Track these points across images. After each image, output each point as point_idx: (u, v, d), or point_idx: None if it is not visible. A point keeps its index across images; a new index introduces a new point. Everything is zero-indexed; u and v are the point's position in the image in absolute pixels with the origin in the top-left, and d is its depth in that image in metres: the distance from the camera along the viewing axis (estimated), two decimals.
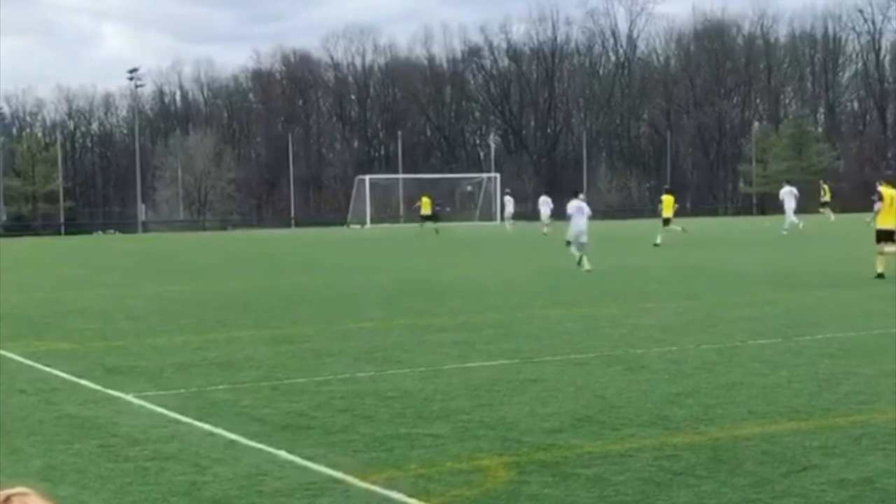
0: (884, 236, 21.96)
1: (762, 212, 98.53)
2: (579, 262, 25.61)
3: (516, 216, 65.47)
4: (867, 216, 25.41)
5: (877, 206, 22.45)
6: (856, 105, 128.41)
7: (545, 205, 55.05)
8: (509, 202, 66.76)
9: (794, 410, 8.80)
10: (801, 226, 43.66)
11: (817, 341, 12.90)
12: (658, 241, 36.41)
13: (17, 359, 12.88)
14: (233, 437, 8.25)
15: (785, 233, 42.25)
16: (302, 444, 7.94)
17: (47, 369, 11.97)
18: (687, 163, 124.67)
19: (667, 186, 45.81)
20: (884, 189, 22.45)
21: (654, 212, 43.88)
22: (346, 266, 31.11)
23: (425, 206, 58.18)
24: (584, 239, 25.99)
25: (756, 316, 15.71)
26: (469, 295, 20.38)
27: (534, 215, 58.05)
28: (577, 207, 26.64)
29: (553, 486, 6.75)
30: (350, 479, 7.01)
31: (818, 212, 55.60)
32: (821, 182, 60.78)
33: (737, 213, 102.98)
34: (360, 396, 9.80)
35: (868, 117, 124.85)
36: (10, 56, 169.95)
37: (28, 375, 11.66)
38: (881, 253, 21.76)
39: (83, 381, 11.09)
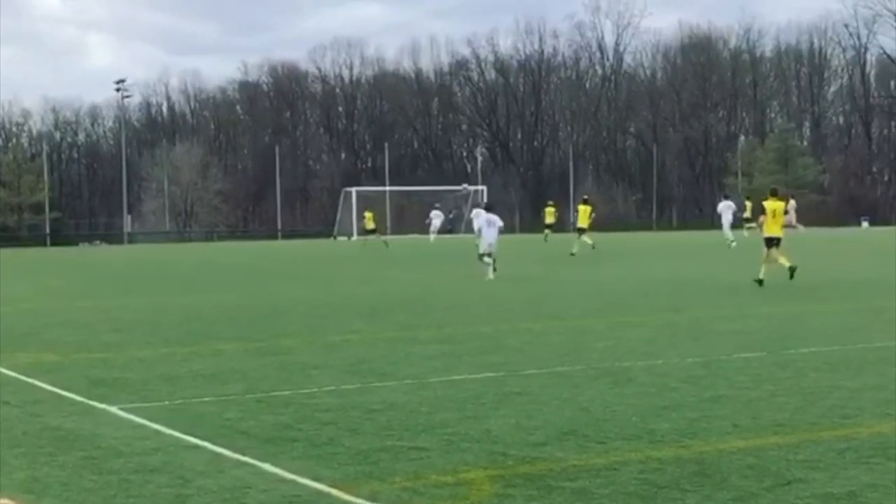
0: (769, 243, 25.02)
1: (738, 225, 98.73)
2: (492, 273, 27.46)
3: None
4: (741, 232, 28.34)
5: (760, 218, 25.75)
6: (841, 119, 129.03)
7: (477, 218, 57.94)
8: (437, 216, 68.46)
9: (778, 424, 8.81)
10: (733, 244, 44.18)
11: (802, 355, 12.93)
12: (574, 249, 37.30)
13: (1, 370, 12.83)
14: (217, 449, 8.22)
15: (734, 244, 43.02)
16: (286, 457, 7.92)
17: (31, 381, 11.92)
18: (673, 176, 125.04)
19: (585, 196, 46.62)
20: (767, 203, 25.50)
21: (640, 224, 44.12)
22: (333, 278, 31.08)
23: (369, 220, 60.67)
24: (491, 250, 27.97)
25: (741, 329, 15.73)
26: (454, 308, 20.38)
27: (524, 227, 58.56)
28: (488, 220, 28.37)
29: (538, 499, 6.74)
30: (334, 492, 6.99)
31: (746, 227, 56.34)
32: (744, 198, 62.11)
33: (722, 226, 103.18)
34: (346, 409, 9.78)
35: (853, 132, 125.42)
36: None
37: (11, 387, 11.61)
38: (766, 260, 24.68)
39: (67, 393, 11.04)
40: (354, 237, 76.47)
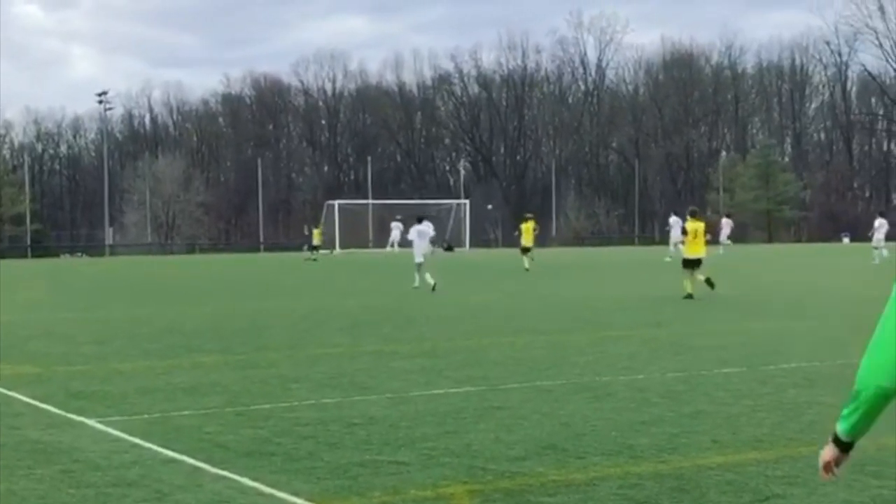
0: (690, 264, 25.43)
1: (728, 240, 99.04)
2: (421, 283, 29.01)
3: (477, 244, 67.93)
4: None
5: (683, 238, 26.31)
6: (822, 136, 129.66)
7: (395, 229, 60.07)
8: (396, 227, 69.33)
9: (757, 440, 8.83)
10: (667, 259, 44.62)
11: (782, 370, 12.96)
12: (526, 265, 38.86)
13: None
14: (196, 463, 8.19)
15: (669, 259, 43.45)
16: (265, 471, 7.90)
17: (10, 393, 11.87)
18: (655, 191, 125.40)
19: (528, 214, 47.14)
20: (689, 223, 25.78)
21: (622, 239, 44.21)
22: (315, 291, 31.04)
23: (316, 236, 63.72)
24: (421, 260, 29.61)
25: (722, 344, 15.77)
26: (436, 321, 20.37)
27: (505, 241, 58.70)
28: (420, 232, 30.19)
29: None
30: None
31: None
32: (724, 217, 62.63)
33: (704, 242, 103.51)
34: (325, 423, 9.76)
35: (834, 148, 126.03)
36: None
37: None
38: (688, 278, 25.12)
39: (46, 406, 10.99)
40: (337, 250, 76.43)
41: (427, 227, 30.63)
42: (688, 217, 26.18)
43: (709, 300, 24.53)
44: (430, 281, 28.53)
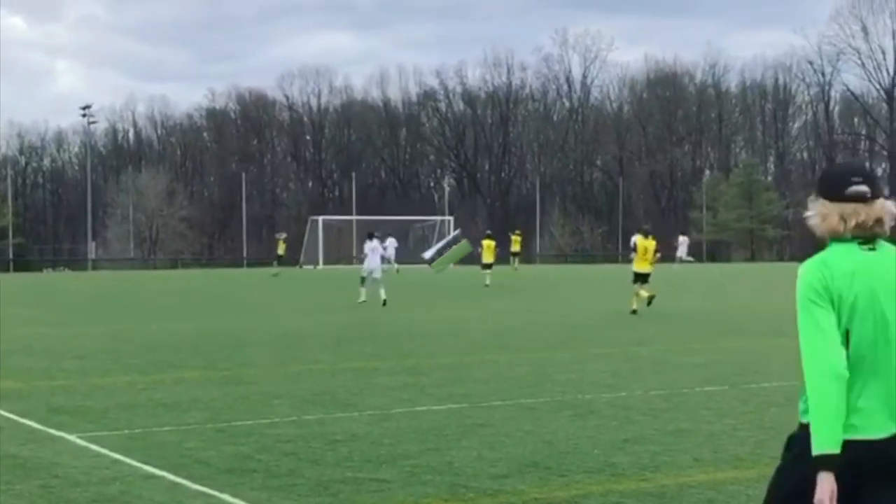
0: (639, 278, 26.74)
1: (713, 259, 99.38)
2: (363, 300, 30.09)
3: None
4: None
5: (632, 255, 27.52)
6: (805, 155, 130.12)
7: (391, 246, 60.22)
8: (391, 244, 68.72)
9: (738, 458, 8.85)
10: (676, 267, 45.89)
11: (764, 389, 12.99)
12: (487, 281, 40.33)
13: None
14: (176, 479, 8.16)
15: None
16: (246, 488, 7.88)
17: None
18: (639, 209, 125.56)
19: (488, 231, 47.79)
20: (638, 240, 27.43)
21: (606, 256, 44.27)
22: (298, 307, 30.99)
23: (280, 245, 63.67)
24: (377, 275, 30.82)
25: (704, 363, 15.80)
26: (419, 338, 20.35)
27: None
28: (372, 248, 31.50)
29: None
30: None
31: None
32: (509, 233, 63.14)
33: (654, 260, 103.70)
34: (307, 440, 9.74)
35: (817, 167, 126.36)
36: None
37: None
38: (636, 294, 26.24)
39: (26, 421, 10.94)
40: (320, 266, 76.32)
41: (377, 244, 32.21)
42: (639, 235, 27.85)
43: (688, 319, 24.59)
44: (383, 296, 29.66)
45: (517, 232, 64.38)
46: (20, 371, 15.40)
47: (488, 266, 42.60)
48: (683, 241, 61.59)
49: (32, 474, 8.42)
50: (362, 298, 30.49)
